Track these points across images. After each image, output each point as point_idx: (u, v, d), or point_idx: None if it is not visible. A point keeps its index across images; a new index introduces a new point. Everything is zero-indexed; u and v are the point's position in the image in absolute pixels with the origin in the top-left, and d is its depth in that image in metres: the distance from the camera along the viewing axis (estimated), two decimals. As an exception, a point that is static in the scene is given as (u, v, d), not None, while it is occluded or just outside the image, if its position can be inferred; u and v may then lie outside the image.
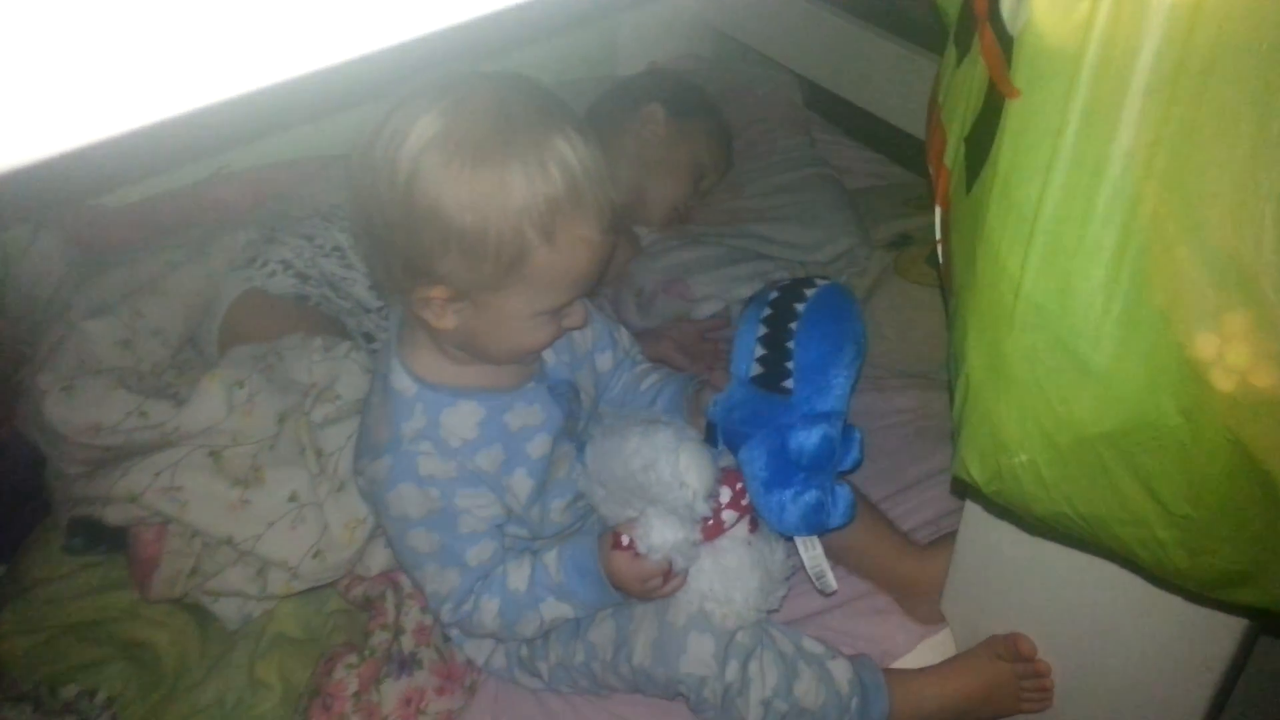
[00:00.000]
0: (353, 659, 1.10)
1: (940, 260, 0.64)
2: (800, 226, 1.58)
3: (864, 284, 1.50)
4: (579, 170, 0.85)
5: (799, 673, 1.02)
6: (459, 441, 0.98)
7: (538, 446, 1.02)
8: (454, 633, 1.11)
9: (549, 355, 1.06)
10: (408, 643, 1.13)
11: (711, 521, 0.97)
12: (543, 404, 1.03)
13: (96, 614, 1.16)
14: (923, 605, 1.16)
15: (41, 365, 1.18)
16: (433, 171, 0.83)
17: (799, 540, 1.02)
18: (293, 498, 1.12)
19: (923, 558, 1.15)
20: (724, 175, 1.71)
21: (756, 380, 1.01)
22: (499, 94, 0.85)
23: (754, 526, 1.01)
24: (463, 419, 0.98)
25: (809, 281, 1.04)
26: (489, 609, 1.00)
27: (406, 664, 1.12)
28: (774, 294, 1.03)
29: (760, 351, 1.02)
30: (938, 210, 0.63)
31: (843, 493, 1.02)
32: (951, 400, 0.59)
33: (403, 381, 0.98)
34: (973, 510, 1.05)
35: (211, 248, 1.36)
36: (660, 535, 0.95)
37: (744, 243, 1.58)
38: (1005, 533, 1.01)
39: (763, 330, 1.03)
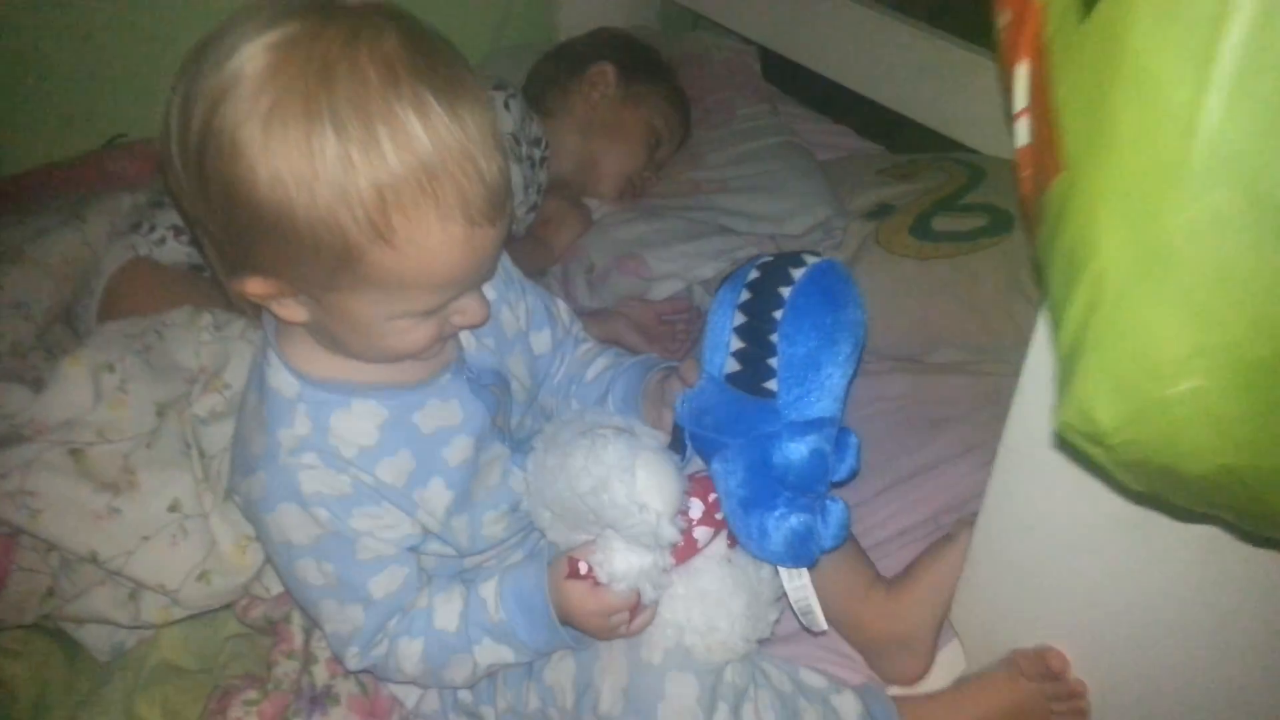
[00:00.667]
0: (253, 694, 0.91)
1: (1027, 137, 0.48)
2: (768, 197, 1.42)
3: (842, 258, 1.34)
4: (433, 153, 0.64)
5: (800, 713, 0.86)
6: (354, 450, 0.78)
7: (457, 451, 0.83)
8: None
9: (468, 340, 0.86)
10: (320, 674, 0.94)
11: (683, 542, 0.81)
12: (462, 400, 0.83)
13: (-64, 646, 0.95)
14: (888, 659, 0.98)
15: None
16: (228, 128, 0.63)
17: (781, 569, 0.85)
18: (173, 507, 0.92)
19: (888, 599, 0.97)
20: (681, 144, 1.56)
21: (733, 379, 0.84)
22: (350, 34, 0.64)
23: (734, 541, 0.85)
24: (359, 423, 0.79)
25: (796, 259, 0.85)
26: (409, 653, 0.82)
27: (319, 700, 0.94)
28: (753, 274, 0.86)
29: (737, 345, 0.84)
30: (1021, 70, 0.47)
31: (835, 509, 0.85)
32: (1054, 333, 0.42)
33: (281, 378, 0.78)
34: (994, 500, 0.89)
35: (89, 212, 1.16)
36: (624, 561, 0.78)
37: (706, 215, 1.42)
38: (1030, 527, 0.86)
39: (740, 319, 0.85)
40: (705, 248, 1.36)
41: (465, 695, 0.91)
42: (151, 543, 0.90)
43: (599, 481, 0.77)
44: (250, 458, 0.79)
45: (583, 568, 0.79)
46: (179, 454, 0.93)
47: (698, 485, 0.84)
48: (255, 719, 0.90)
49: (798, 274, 0.84)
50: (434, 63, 0.66)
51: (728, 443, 0.83)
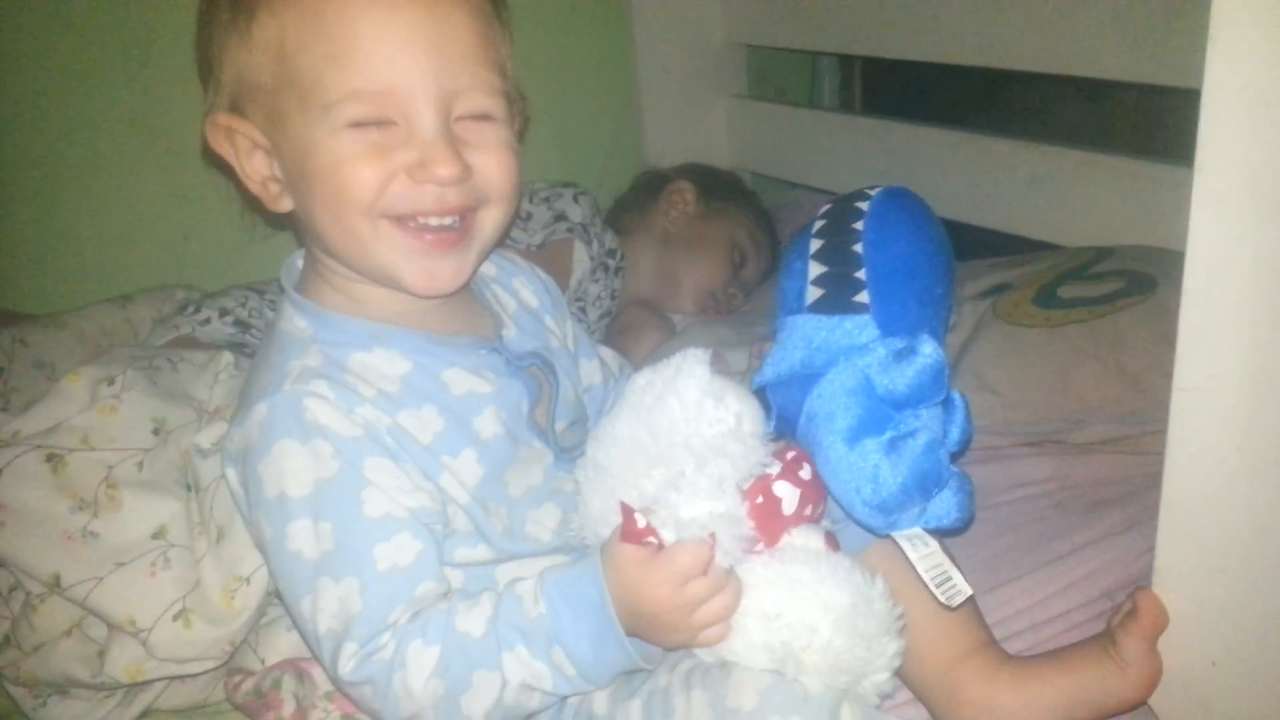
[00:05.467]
0: (225, 770, 0.71)
1: None
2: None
3: (957, 339, 1.17)
4: None
5: None
6: (372, 391, 0.68)
7: (489, 423, 0.72)
8: None
9: (507, 326, 0.81)
10: (316, 760, 0.74)
11: (762, 500, 0.68)
12: (496, 373, 0.75)
13: None
14: None
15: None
16: None
17: (902, 540, 0.71)
18: (158, 534, 0.78)
19: (1000, 668, 0.73)
20: (770, 269, 1.46)
21: (816, 306, 0.75)
22: None
23: (832, 544, 0.71)
24: (380, 366, 0.70)
25: (864, 190, 0.80)
26: (420, 664, 0.64)
27: (312, 789, 0.73)
28: (824, 208, 0.81)
29: (817, 271, 0.76)
30: None
31: (954, 478, 0.72)
32: None
33: (296, 322, 0.73)
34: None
35: (138, 296, 1.12)
36: (692, 506, 0.63)
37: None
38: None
39: (817, 245, 0.77)
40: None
41: None
42: (126, 569, 0.75)
43: (663, 389, 0.67)
44: (253, 394, 0.69)
45: (640, 520, 0.64)
46: (173, 482, 0.80)
47: (778, 451, 0.71)
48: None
49: (872, 192, 0.79)
50: None
51: (818, 375, 0.71)
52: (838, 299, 0.73)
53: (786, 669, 0.64)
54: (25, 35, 1.19)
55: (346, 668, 0.64)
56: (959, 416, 0.73)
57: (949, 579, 0.69)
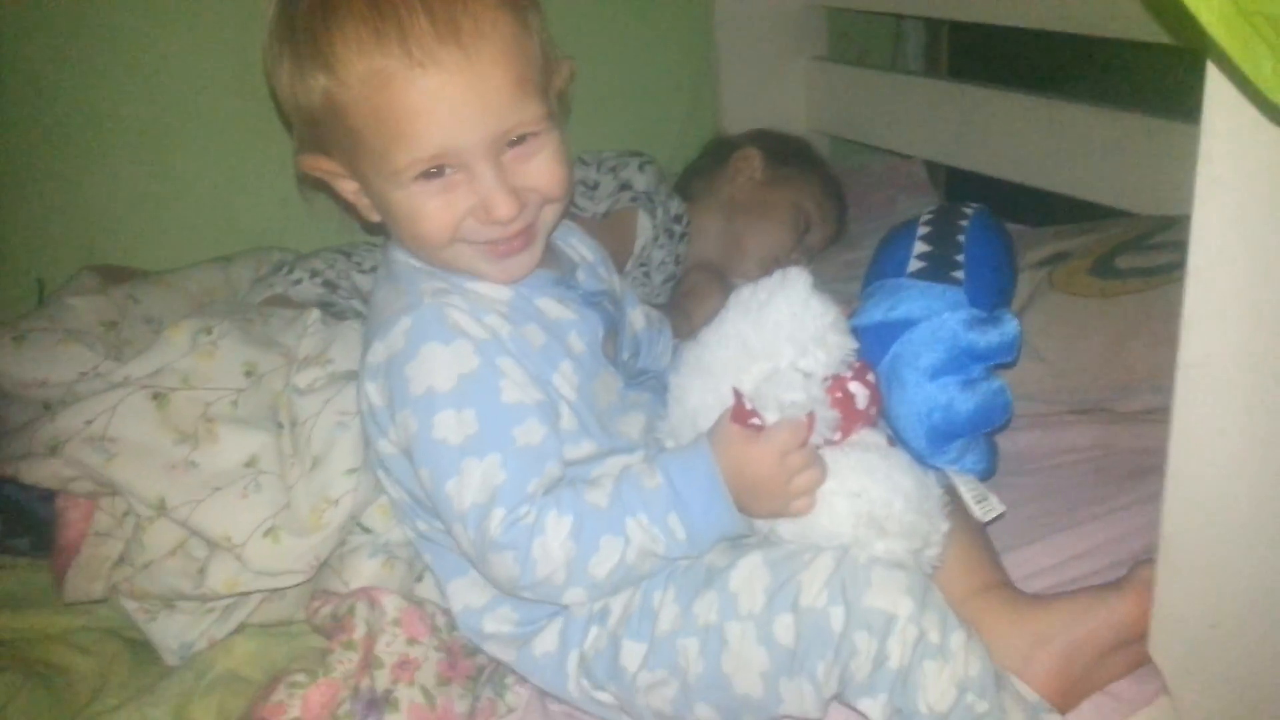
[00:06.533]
0: (300, 678, 0.81)
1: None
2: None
3: (1013, 307, 1.19)
4: None
5: (1007, 711, 0.72)
6: (492, 307, 0.80)
7: (577, 342, 0.84)
8: (489, 625, 0.83)
9: (579, 270, 0.91)
10: (383, 679, 0.84)
11: (841, 395, 0.77)
12: (574, 306, 0.85)
13: (7, 634, 0.91)
14: None
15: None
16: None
17: (947, 467, 0.86)
18: (250, 463, 0.88)
19: (1005, 602, 0.80)
20: (836, 235, 1.49)
21: (917, 274, 0.89)
22: None
23: (891, 442, 0.82)
24: (489, 293, 0.81)
25: (964, 205, 0.98)
26: (557, 530, 0.74)
27: (377, 704, 0.83)
28: (934, 206, 0.98)
29: (922, 249, 0.91)
30: None
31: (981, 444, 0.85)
32: None
33: (411, 262, 0.83)
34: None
35: (237, 257, 1.22)
36: (791, 391, 0.73)
37: (857, 289, 1.32)
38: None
39: (925, 230, 0.93)
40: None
41: (600, 636, 0.79)
42: (222, 493, 0.85)
43: (766, 298, 0.76)
44: (392, 314, 0.79)
45: (748, 403, 0.74)
46: (263, 418, 0.89)
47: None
48: (299, 704, 0.79)
49: (973, 205, 0.97)
50: None
51: (908, 325, 0.86)
52: (937, 270, 0.88)
53: (866, 537, 0.74)
54: (138, 6, 1.29)
55: (497, 532, 0.73)
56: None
57: (985, 498, 0.82)
